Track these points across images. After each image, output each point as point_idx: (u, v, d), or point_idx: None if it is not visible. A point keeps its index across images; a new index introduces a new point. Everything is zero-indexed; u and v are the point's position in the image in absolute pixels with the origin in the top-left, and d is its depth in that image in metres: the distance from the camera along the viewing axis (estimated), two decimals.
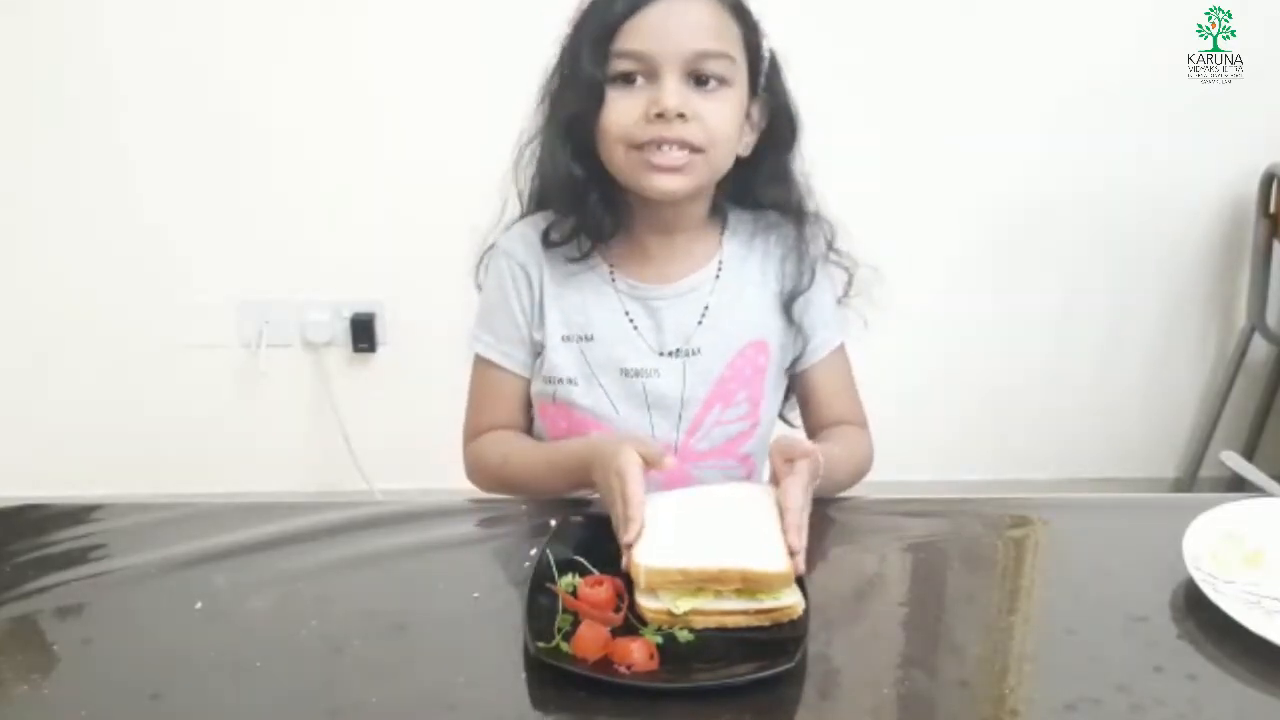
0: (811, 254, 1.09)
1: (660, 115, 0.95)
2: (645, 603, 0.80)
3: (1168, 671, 0.78)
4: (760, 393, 1.09)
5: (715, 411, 1.08)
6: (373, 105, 2.03)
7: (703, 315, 1.06)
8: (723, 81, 0.98)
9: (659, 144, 0.96)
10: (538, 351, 1.09)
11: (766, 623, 0.80)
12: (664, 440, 1.07)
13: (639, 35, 0.95)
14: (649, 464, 0.89)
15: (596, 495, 0.95)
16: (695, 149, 0.98)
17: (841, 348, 1.14)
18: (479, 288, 1.13)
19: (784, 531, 0.84)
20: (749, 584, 0.80)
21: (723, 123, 0.98)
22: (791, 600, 0.80)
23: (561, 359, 1.06)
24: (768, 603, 0.79)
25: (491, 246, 1.11)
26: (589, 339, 1.06)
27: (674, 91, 0.95)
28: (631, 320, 1.06)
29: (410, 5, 1.97)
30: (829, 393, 1.13)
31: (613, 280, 1.07)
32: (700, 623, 0.79)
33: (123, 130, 2.02)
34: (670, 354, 1.06)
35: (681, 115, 0.95)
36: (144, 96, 2.00)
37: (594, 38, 0.96)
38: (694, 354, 1.06)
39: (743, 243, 1.10)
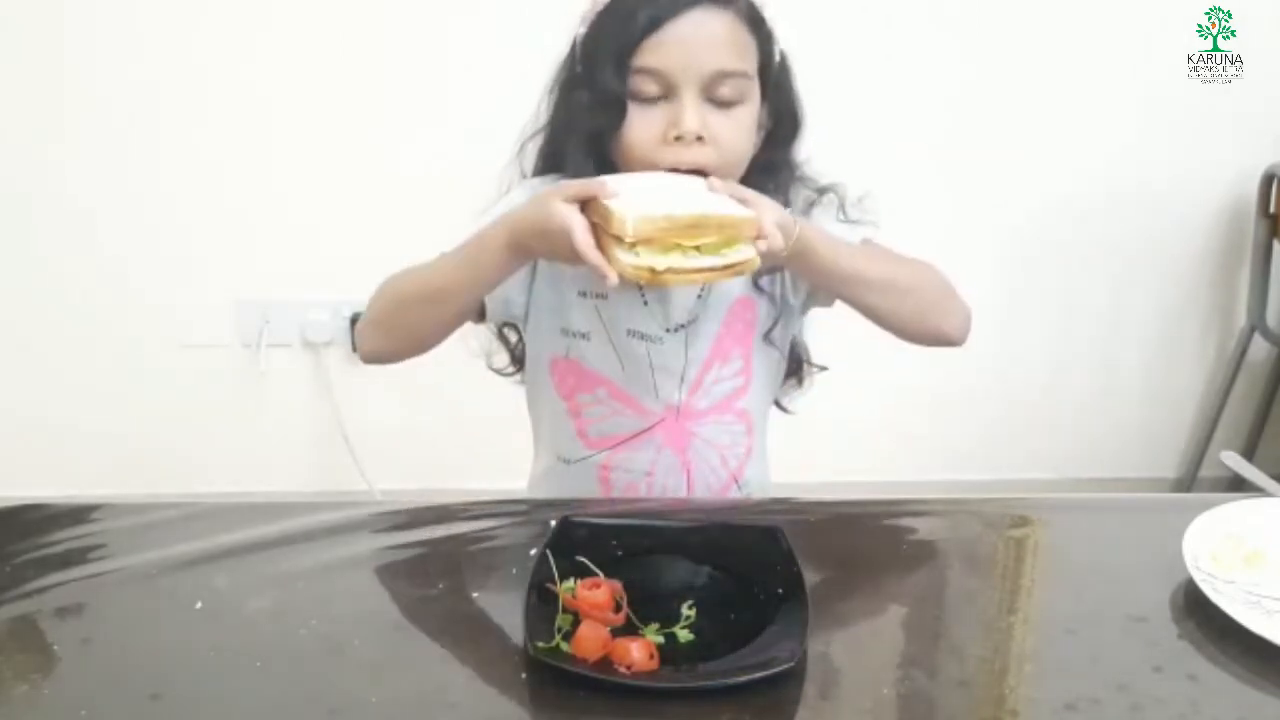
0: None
1: (679, 138, 0.96)
2: (626, 259, 0.84)
3: (1168, 671, 0.78)
4: (751, 348, 1.10)
5: (714, 370, 1.10)
6: (373, 104, 2.03)
7: (702, 290, 1.08)
8: (739, 99, 0.99)
9: (675, 168, 0.97)
10: (506, 307, 1.07)
11: (730, 276, 0.88)
12: (667, 400, 1.09)
13: (659, 53, 0.95)
14: (588, 197, 0.89)
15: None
16: (710, 172, 0.98)
17: (870, 243, 1.07)
18: None
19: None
20: (724, 230, 0.86)
21: (738, 142, 0.99)
22: (749, 254, 0.87)
23: (578, 314, 1.07)
24: (731, 256, 0.87)
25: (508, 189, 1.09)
26: (604, 297, 1.07)
27: (693, 113, 0.96)
28: (642, 293, 1.07)
29: (413, 7, 1.97)
30: None
31: None
32: (674, 280, 0.86)
33: (121, 130, 2.02)
34: (674, 330, 1.08)
35: (700, 138, 0.96)
36: (143, 96, 2.00)
37: (615, 52, 0.96)
38: (694, 322, 1.08)
39: None
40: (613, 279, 0.86)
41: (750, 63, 0.99)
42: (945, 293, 1.07)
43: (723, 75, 0.96)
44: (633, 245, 0.85)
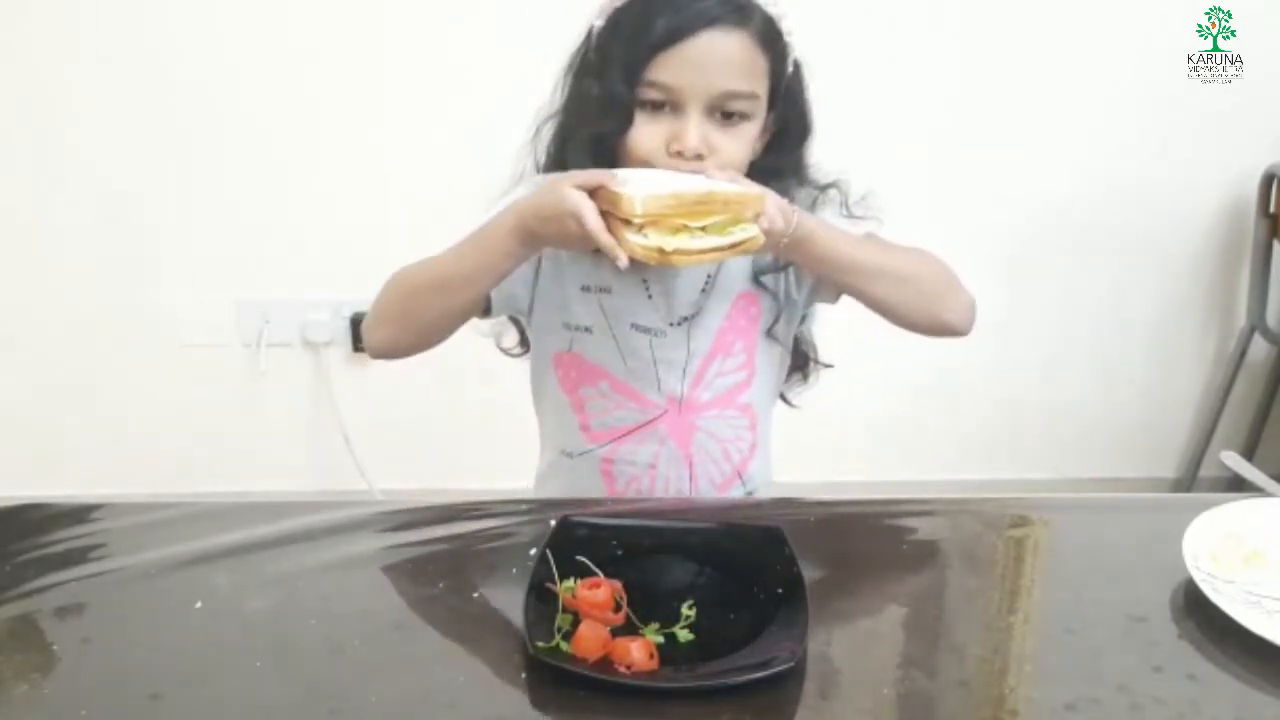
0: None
1: (679, 152, 0.97)
2: (636, 240, 0.87)
3: (1168, 671, 0.78)
4: (754, 343, 1.11)
5: (716, 363, 1.10)
6: (373, 105, 2.03)
7: (706, 282, 1.08)
8: (744, 117, 0.99)
9: None
10: (511, 302, 1.08)
11: (737, 255, 0.91)
12: (669, 393, 1.09)
13: (671, 69, 0.96)
14: (596, 185, 0.91)
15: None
16: None
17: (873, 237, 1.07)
18: None
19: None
20: (729, 207, 0.89)
21: (738, 159, 1.00)
22: (753, 231, 0.90)
23: (580, 308, 1.08)
24: (737, 235, 0.89)
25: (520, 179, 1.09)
26: (607, 291, 1.07)
27: (695, 130, 0.97)
28: (647, 286, 1.07)
29: (413, 7, 1.97)
30: None
31: None
32: (682, 261, 0.87)
33: (120, 130, 2.02)
34: (678, 323, 1.08)
35: (699, 156, 0.97)
36: (143, 96, 2.00)
37: (626, 61, 0.97)
38: (697, 315, 1.08)
39: None
40: (623, 260, 0.88)
41: (759, 83, 1.00)
42: (947, 281, 1.07)
43: (730, 96, 0.98)
44: (641, 227, 0.87)
